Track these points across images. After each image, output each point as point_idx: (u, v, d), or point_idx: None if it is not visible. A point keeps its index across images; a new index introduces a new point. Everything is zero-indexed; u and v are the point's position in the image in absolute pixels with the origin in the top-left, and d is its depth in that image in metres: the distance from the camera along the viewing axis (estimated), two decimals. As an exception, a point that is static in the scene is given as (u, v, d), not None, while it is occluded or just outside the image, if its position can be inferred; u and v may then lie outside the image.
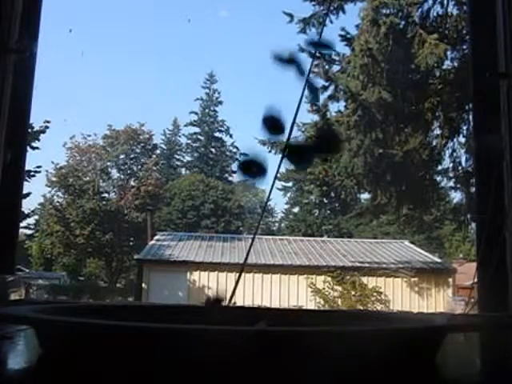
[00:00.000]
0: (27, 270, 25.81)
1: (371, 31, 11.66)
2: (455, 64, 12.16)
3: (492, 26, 1.83)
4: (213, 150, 41.41)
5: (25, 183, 2.22)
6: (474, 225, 11.40)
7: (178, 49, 57.37)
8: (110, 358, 0.66)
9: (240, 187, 34.25)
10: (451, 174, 13.00)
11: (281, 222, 39.55)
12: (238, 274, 16.60)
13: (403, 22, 12.03)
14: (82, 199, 25.33)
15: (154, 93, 55.02)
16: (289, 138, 0.97)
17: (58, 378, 0.68)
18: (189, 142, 42.00)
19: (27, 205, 22.02)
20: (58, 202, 25.79)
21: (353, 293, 16.13)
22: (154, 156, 29.17)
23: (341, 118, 12.97)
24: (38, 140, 17.89)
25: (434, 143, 12.76)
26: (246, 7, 55.02)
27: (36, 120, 17.08)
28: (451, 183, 13.25)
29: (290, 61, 0.96)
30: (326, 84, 12.90)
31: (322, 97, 13.15)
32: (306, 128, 14.22)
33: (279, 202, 54.37)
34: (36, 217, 28.28)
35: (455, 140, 12.63)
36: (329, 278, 16.49)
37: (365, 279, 16.58)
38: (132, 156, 28.21)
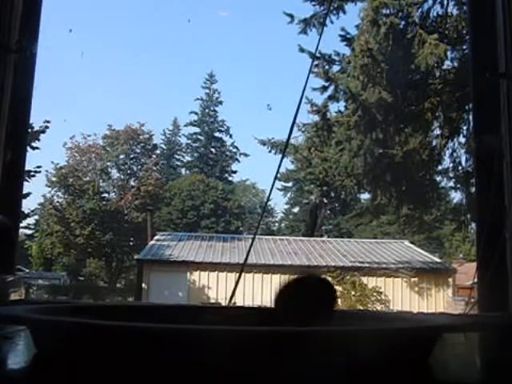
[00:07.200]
0: (27, 270, 25.80)
1: (371, 31, 11.64)
2: (455, 64, 12.15)
3: (492, 26, 1.83)
4: (213, 149, 41.41)
5: (25, 183, 2.22)
6: (473, 225, 11.40)
7: (178, 49, 57.40)
8: (107, 359, 0.66)
9: None
10: (451, 174, 12.99)
11: (281, 222, 39.54)
12: (238, 274, 16.63)
13: (403, 22, 12.02)
14: (82, 199, 25.33)
15: (153, 93, 55.06)
16: (289, 138, 0.97)
17: (52, 377, 0.68)
18: (189, 141, 42.04)
19: (27, 205, 22.05)
20: (57, 202, 25.78)
21: (353, 293, 16.13)
22: (154, 156, 29.17)
23: (341, 118, 12.96)
24: (38, 140, 17.90)
25: (434, 143, 12.75)
26: (246, 7, 55.04)
27: (36, 120, 17.08)
28: (451, 183, 13.25)
29: None
30: (326, 84, 12.90)
31: (322, 97, 13.17)
32: (307, 128, 14.23)
33: (279, 202, 54.44)
34: (36, 217, 28.33)
35: (455, 140, 12.63)
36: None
37: (365, 279, 16.57)
38: (132, 156, 28.21)
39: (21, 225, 17.73)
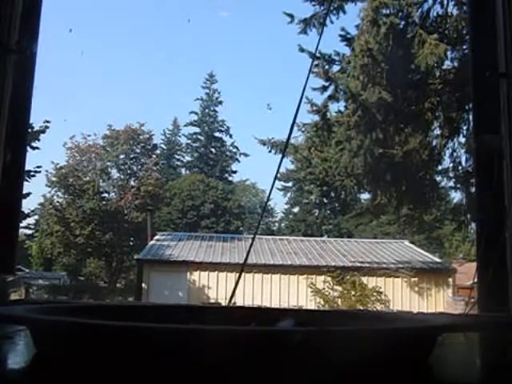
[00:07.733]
0: (27, 270, 25.81)
1: (371, 31, 11.64)
2: (455, 64, 12.15)
3: (492, 26, 1.83)
4: (213, 149, 41.42)
5: (25, 183, 2.22)
6: (473, 225, 11.40)
7: (178, 49, 57.45)
8: (107, 359, 0.66)
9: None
10: (451, 174, 12.99)
11: (281, 222, 39.53)
12: (238, 274, 16.62)
13: (403, 22, 12.02)
14: (82, 199, 25.31)
15: (154, 93, 55.10)
16: (289, 138, 0.97)
17: (52, 377, 0.68)
18: (189, 141, 42.04)
19: (27, 205, 22.03)
20: (57, 202, 25.75)
21: (353, 293, 16.12)
22: (154, 156, 29.13)
23: (341, 118, 12.96)
24: (38, 140, 17.89)
25: (434, 143, 12.74)
26: (246, 7, 55.08)
27: (36, 120, 17.08)
28: (451, 183, 13.25)
29: None
30: (326, 84, 12.90)
31: (322, 97, 13.17)
32: (307, 128, 14.23)
33: (279, 202, 54.45)
34: (36, 217, 28.31)
35: (455, 140, 12.62)
36: (329, 278, 16.49)
37: (365, 279, 16.57)
38: (132, 156, 28.18)
39: (21, 225, 17.73)
